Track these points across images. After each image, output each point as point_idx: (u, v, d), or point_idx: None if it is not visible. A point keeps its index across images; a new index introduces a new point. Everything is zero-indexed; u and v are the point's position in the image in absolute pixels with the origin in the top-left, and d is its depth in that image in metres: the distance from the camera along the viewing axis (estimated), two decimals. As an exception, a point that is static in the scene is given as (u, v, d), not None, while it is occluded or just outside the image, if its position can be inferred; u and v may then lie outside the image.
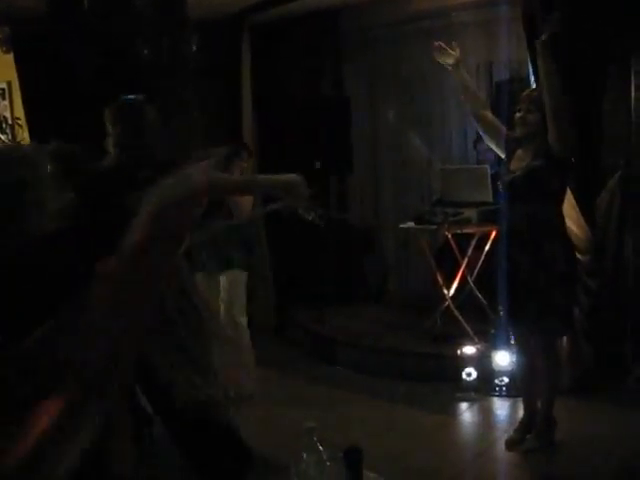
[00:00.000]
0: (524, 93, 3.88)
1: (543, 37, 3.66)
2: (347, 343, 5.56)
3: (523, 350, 4.03)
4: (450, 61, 3.87)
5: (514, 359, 4.50)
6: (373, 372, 5.19)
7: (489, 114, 3.97)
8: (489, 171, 5.15)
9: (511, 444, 3.95)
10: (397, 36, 6.58)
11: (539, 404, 3.96)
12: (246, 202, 4.49)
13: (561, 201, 3.85)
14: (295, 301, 6.23)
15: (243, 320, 4.68)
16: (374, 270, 6.69)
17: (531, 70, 4.58)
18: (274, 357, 5.53)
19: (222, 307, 4.65)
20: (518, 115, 3.76)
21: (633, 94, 4.67)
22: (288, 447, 1.79)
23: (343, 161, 6.14)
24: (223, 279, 4.63)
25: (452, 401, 4.70)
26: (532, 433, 3.94)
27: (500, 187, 3.98)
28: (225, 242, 4.52)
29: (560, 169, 3.71)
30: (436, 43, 3.87)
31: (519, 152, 3.81)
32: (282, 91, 6.64)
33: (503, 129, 3.90)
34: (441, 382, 4.88)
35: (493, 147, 4.02)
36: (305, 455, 1.58)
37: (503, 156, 3.91)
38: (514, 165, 3.80)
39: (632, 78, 4.65)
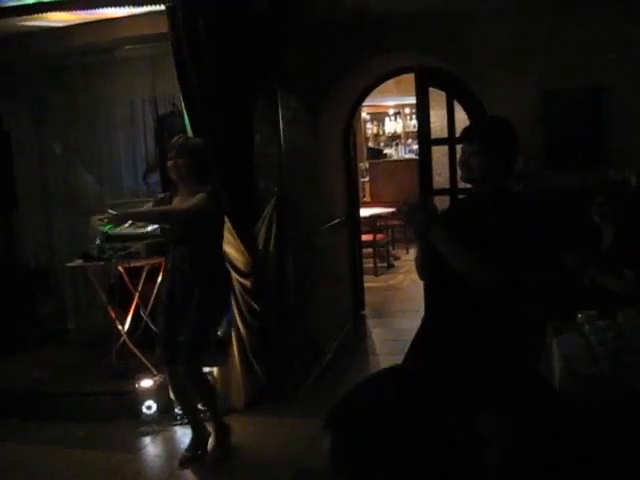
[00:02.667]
0: (174, 141, 4.15)
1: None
2: (24, 391, 5.22)
3: (171, 377, 4.28)
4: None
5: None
6: (54, 419, 4.95)
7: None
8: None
9: (184, 461, 4.22)
10: (59, 69, 6.43)
11: (201, 422, 4.33)
12: None
13: (218, 237, 4.17)
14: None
15: None
16: (50, 311, 6.41)
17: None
18: None
19: None
20: (169, 163, 4.06)
21: (281, 126, 5.07)
22: None
23: (6, 196, 5.82)
24: None
25: (135, 436, 4.67)
26: (212, 445, 4.25)
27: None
28: None
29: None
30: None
31: (179, 198, 4.11)
32: None
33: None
34: (123, 419, 4.83)
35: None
36: None
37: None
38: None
39: (279, 111, 5.06)
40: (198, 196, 3.93)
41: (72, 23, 5.72)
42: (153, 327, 5.18)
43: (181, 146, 4.05)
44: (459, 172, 2.90)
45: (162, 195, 4.42)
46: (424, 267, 2.86)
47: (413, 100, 6.89)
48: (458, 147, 6.36)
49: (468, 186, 2.90)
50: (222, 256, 4.28)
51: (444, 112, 6.45)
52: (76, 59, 6.33)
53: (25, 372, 5.57)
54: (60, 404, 5.09)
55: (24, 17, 5.43)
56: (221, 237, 4.22)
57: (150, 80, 6.25)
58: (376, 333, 7.05)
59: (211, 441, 4.31)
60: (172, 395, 4.59)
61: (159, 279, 5.25)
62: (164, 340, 4.13)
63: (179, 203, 4.06)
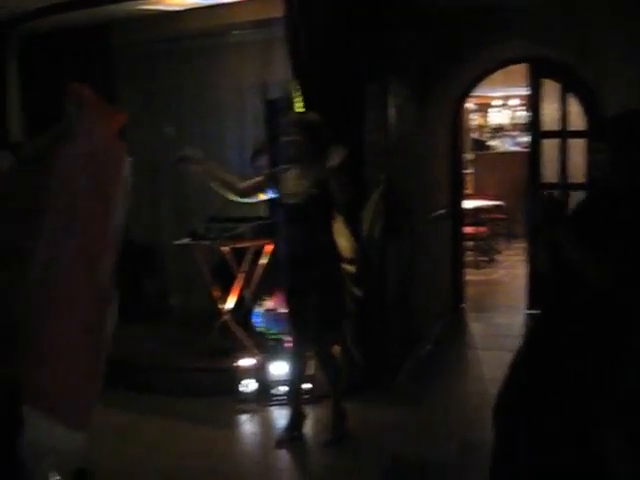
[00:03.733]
0: (291, 117, 4.12)
1: (332, 163, 3.87)
2: (126, 363, 5.41)
3: (297, 358, 4.28)
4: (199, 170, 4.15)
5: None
6: (155, 391, 5.11)
7: (242, 184, 4.27)
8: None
9: (281, 441, 4.24)
10: (173, 52, 6.58)
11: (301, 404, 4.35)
12: None
13: (332, 222, 4.15)
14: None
15: None
16: (154, 288, 6.60)
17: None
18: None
19: None
20: (288, 139, 4.03)
21: (390, 113, 5.02)
22: None
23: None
24: None
25: (231, 414, 4.75)
26: (327, 427, 4.28)
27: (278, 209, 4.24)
28: None
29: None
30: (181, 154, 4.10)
31: (291, 175, 4.07)
32: (54, 105, 6.36)
33: (259, 178, 4.26)
34: (220, 396, 4.91)
35: (263, 198, 4.31)
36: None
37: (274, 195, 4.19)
38: (290, 189, 4.07)
39: (389, 98, 5.00)
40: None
41: (187, 7, 5.85)
42: (254, 308, 5.27)
43: (299, 122, 4.04)
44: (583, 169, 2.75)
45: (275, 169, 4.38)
46: (545, 264, 2.75)
47: (521, 91, 6.69)
48: (571, 141, 6.23)
49: (577, 181, 2.74)
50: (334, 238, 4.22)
51: (554, 104, 6.24)
52: (188, 43, 6.46)
53: (127, 345, 5.75)
54: (160, 377, 5.25)
55: (142, 1, 5.60)
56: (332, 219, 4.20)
57: (259, 65, 6.31)
58: (475, 327, 6.91)
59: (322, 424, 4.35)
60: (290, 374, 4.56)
61: (263, 260, 5.32)
62: (292, 323, 4.19)
63: (292, 186, 4.05)
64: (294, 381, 4.39)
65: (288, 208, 4.09)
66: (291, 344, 4.35)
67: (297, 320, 4.17)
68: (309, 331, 4.12)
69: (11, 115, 6.32)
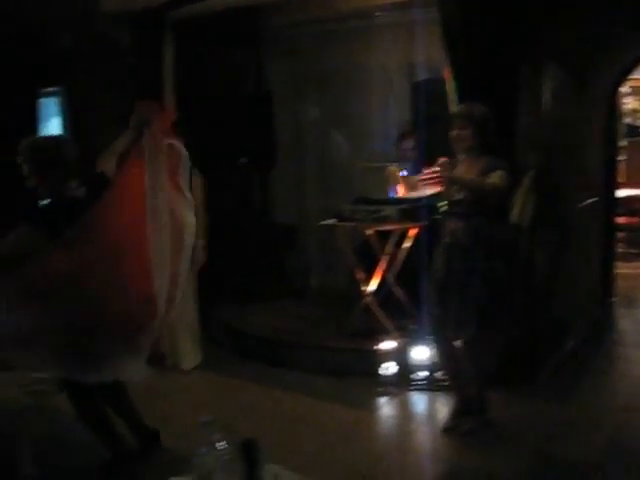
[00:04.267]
0: (459, 109, 4.07)
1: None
2: (268, 339, 5.57)
3: (445, 344, 4.18)
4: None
5: (432, 354, 4.64)
6: (294, 367, 5.21)
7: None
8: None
9: (448, 429, 4.14)
10: (320, 34, 6.63)
11: (467, 389, 4.17)
12: None
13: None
14: (216, 297, 6.18)
15: None
16: (296, 267, 6.72)
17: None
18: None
19: None
20: (454, 133, 3.94)
21: (544, 96, 4.82)
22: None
23: (267, 157, 6.15)
24: None
25: (371, 396, 4.75)
26: (469, 417, 4.14)
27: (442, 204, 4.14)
28: None
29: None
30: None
31: (459, 169, 3.98)
32: (206, 87, 6.59)
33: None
34: (360, 377, 4.92)
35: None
36: (202, 449, 1.59)
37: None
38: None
39: (544, 81, 4.80)
40: (499, 173, 3.79)
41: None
42: (398, 291, 5.25)
43: (466, 115, 3.93)
44: None
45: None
46: None
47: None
48: None
49: None
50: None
51: None
52: (335, 25, 6.49)
53: (269, 322, 5.92)
54: (301, 355, 5.35)
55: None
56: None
57: (406, 47, 6.24)
58: (625, 323, 6.58)
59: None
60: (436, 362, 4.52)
61: (406, 244, 5.29)
62: (438, 313, 4.11)
63: (464, 173, 3.95)
64: (448, 370, 4.32)
65: (453, 202, 4.00)
66: (437, 330, 4.26)
67: (440, 314, 4.08)
68: (454, 317, 4.02)
69: (167, 99, 6.57)
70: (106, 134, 6.17)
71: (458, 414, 4.19)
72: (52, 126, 7.09)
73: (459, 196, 3.93)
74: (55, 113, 7.21)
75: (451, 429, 4.14)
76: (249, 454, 1.64)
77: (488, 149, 3.88)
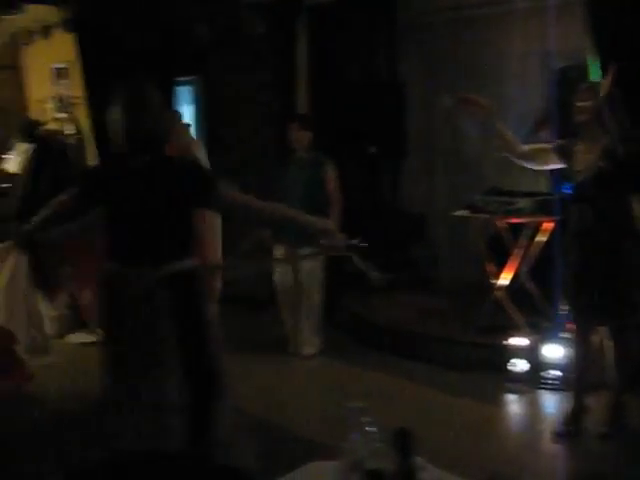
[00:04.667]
0: (583, 85, 3.91)
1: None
2: (394, 329, 5.54)
3: (583, 342, 4.02)
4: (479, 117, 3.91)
5: (566, 352, 4.47)
6: (420, 359, 5.17)
7: (524, 147, 4.11)
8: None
9: (564, 435, 3.96)
10: (455, 21, 6.50)
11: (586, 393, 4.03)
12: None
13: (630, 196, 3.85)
14: (342, 284, 6.19)
15: None
16: (424, 257, 6.65)
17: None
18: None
19: None
20: (578, 104, 3.79)
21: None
22: (336, 429, 1.80)
23: (397, 146, 6.11)
24: None
25: (499, 392, 4.65)
26: (605, 420, 3.97)
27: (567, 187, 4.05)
28: None
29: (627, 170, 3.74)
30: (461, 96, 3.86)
31: (579, 148, 3.84)
32: (338, 74, 6.61)
33: (545, 146, 4.08)
34: (489, 372, 4.81)
35: (546, 167, 4.19)
36: (353, 435, 1.58)
37: (561, 165, 3.99)
38: (579, 164, 3.84)
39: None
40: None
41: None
42: (530, 286, 5.09)
43: (588, 89, 3.82)
44: None
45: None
46: None
47: None
48: None
49: None
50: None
51: None
52: (470, 11, 6.35)
53: (394, 312, 5.89)
54: (427, 346, 5.29)
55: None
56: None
57: (543, 33, 6.01)
58: None
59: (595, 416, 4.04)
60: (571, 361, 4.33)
61: (541, 238, 5.12)
62: (578, 307, 3.97)
63: (581, 161, 3.81)
64: (579, 369, 4.10)
65: (577, 185, 3.86)
66: (574, 328, 4.10)
67: (584, 304, 3.91)
68: (598, 316, 3.87)
69: (299, 86, 6.65)
70: (240, 126, 6.38)
71: (575, 419, 4.00)
72: (186, 114, 7.32)
73: (584, 177, 3.78)
74: (189, 101, 7.45)
75: (567, 435, 3.96)
76: (402, 443, 1.62)
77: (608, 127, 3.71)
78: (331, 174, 5.21)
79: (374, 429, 1.59)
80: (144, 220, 2.84)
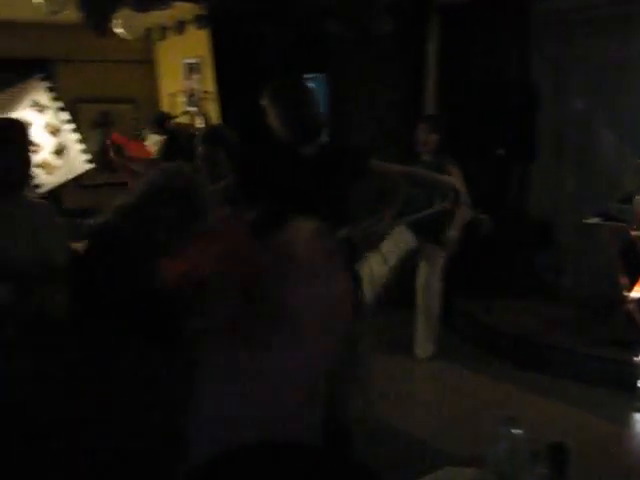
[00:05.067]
0: None
1: None
2: (516, 338, 5.38)
3: None
4: None
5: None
6: (544, 371, 5.02)
7: None
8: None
9: None
10: (591, 21, 6.23)
11: None
12: None
13: None
14: (461, 289, 6.06)
15: None
16: (548, 264, 6.41)
17: None
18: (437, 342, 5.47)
19: None
20: None
21: None
22: (454, 435, 1.75)
23: (527, 148, 5.92)
24: None
25: (625, 410, 4.45)
26: None
27: None
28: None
29: None
30: None
31: None
32: (467, 74, 6.47)
33: None
34: (612, 389, 4.61)
35: None
36: (501, 444, 1.52)
37: None
38: None
39: None
40: None
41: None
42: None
43: None
44: None
45: None
46: None
47: None
48: None
49: None
50: None
51: None
52: (603, 11, 6.08)
53: (517, 320, 5.71)
54: (551, 358, 5.13)
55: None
56: None
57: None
58: None
59: None
60: None
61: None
62: None
63: None
64: None
65: None
66: None
67: None
68: None
69: (428, 87, 6.56)
70: (365, 125, 6.35)
71: None
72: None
73: None
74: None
75: None
76: (558, 458, 1.55)
77: None
78: (456, 176, 5.10)
79: (525, 441, 1.52)
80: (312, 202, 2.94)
